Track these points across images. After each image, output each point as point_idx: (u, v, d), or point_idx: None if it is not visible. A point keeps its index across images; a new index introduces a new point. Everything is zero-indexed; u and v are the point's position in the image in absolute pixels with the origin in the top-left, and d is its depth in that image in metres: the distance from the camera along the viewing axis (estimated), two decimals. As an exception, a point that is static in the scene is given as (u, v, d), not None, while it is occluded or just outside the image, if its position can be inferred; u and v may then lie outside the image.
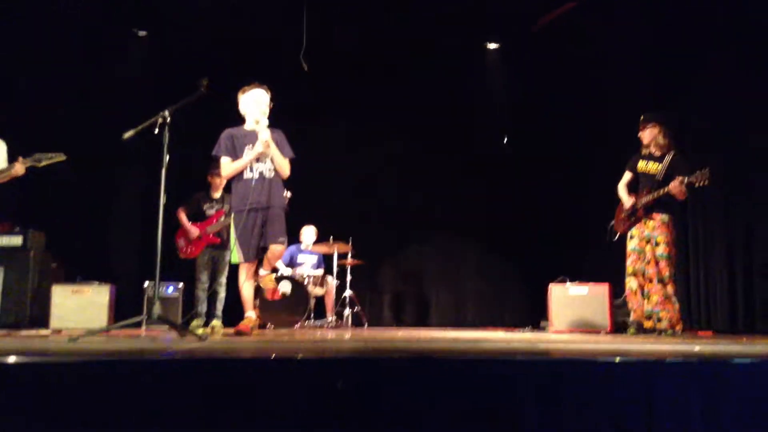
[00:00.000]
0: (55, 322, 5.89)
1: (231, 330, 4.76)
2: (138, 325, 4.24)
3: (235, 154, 4.39)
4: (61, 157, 4.42)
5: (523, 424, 1.71)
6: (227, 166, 4.41)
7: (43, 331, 5.41)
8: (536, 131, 8.34)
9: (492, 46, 8.83)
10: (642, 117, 5.45)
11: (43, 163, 4.45)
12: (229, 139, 4.43)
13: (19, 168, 4.45)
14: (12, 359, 1.74)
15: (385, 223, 8.46)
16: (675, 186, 5.05)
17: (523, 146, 8.53)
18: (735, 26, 6.25)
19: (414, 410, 1.72)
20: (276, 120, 4.52)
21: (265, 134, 4.27)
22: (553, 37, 7.94)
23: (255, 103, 4.41)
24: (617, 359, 1.84)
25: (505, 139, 8.74)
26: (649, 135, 5.38)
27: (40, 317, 6.01)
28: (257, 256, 4.37)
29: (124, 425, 1.71)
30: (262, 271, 4.44)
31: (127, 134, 3.69)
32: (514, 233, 8.41)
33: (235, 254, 4.35)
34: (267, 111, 4.42)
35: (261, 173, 4.35)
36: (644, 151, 5.45)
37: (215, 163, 5.08)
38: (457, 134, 8.61)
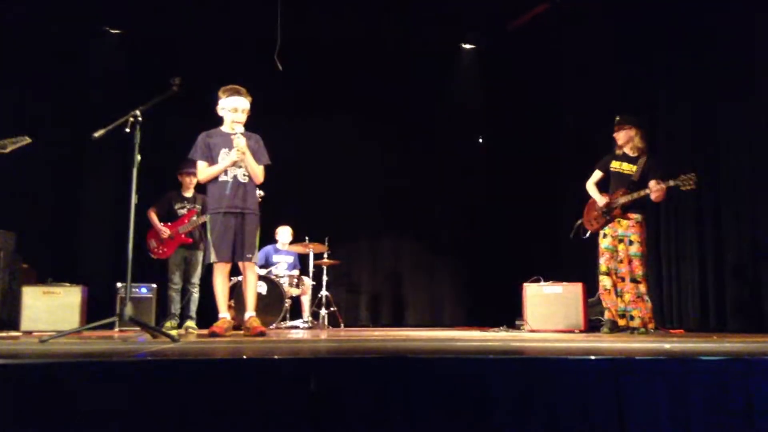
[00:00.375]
0: (25, 323, 5.78)
1: (205, 331, 4.72)
2: (110, 326, 4.20)
3: (212, 158, 4.40)
4: (26, 140, 4.31)
5: (495, 421, 1.72)
6: (203, 171, 4.43)
7: (14, 333, 5.32)
8: (510, 131, 8.41)
9: (467, 46, 8.87)
10: (618, 118, 5.51)
11: (9, 149, 4.35)
12: (205, 142, 4.44)
13: None
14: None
15: (361, 223, 8.47)
16: (657, 188, 5.10)
17: (498, 146, 8.60)
18: (703, 27, 6.35)
19: (387, 409, 1.72)
20: (251, 118, 4.51)
21: (240, 142, 4.27)
22: (527, 37, 8.01)
23: (233, 109, 4.40)
24: (588, 357, 1.86)
25: (480, 139, 8.80)
26: (624, 136, 5.42)
27: (11, 319, 5.91)
28: (231, 258, 4.36)
29: (95, 427, 1.69)
30: (248, 314, 4.43)
31: (98, 133, 3.64)
32: (489, 233, 8.47)
33: (211, 254, 4.36)
34: (244, 118, 4.44)
35: (235, 176, 4.37)
36: (618, 152, 5.50)
37: (186, 162, 5.05)
38: (433, 134, 8.66)
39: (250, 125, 4.53)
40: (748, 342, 3.29)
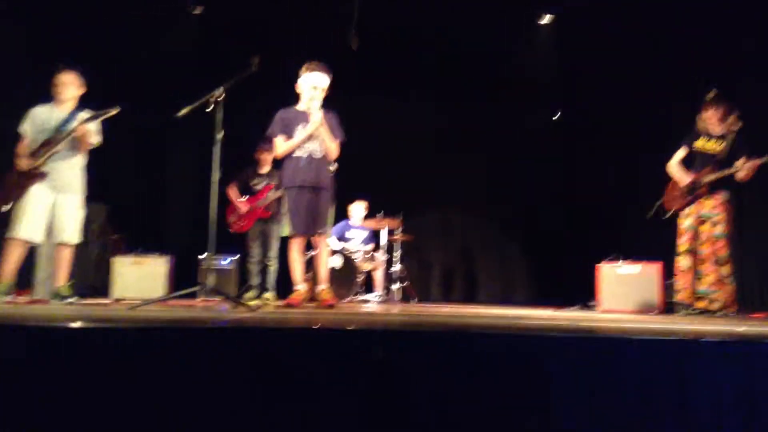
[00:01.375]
0: (116, 291, 6.15)
1: (283, 302, 4.90)
2: (194, 295, 4.42)
3: (288, 134, 4.52)
4: (115, 110, 4.49)
5: (555, 399, 1.75)
6: (281, 145, 4.55)
7: (105, 300, 5.66)
8: (588, 107, 8.20)
9: (545, 17, 8.66)
10: (707, 96, 5.31)
11: (100, 119, 4.56)
12: (282, 119, 4.57)
13: (82, 128, 4.51)
14: (77, 324, 1.88)
15: (435, 199, 8.50)
16: (748, 166, 4.93)
17: (575, 123, 8.41)
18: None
19: (448, 383, 1.78)
20: (328, 95, 4.60)
21: (317, 116, 4.39)
22: (608, 9, 7.74)
23: (312, 86, 4.50)
24: (652, 338, 1.86)
25: (557, 115, 8.63)
26: (713, 114, 5.24)
27: (102, 287, 6.30)
28: (307, 231, 4.50)
29: (177, 390, 1.82)
30: (319, 287, 4.57)
31: (182, 112, 3.82)
32: (564, 210, 8.34)
33: (286, 227, 4.52)
34: (322, 95, 4.54)
35: (310, 153, 4.50)
36: (703, 130, 5.33)
37: (263, 140, 5.21)
38: (508, 109, 8.53)
39: (327, 102, 4.62)
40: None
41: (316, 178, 4.49)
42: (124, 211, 7.01)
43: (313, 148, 4.50)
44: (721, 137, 5.21)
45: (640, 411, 1.74)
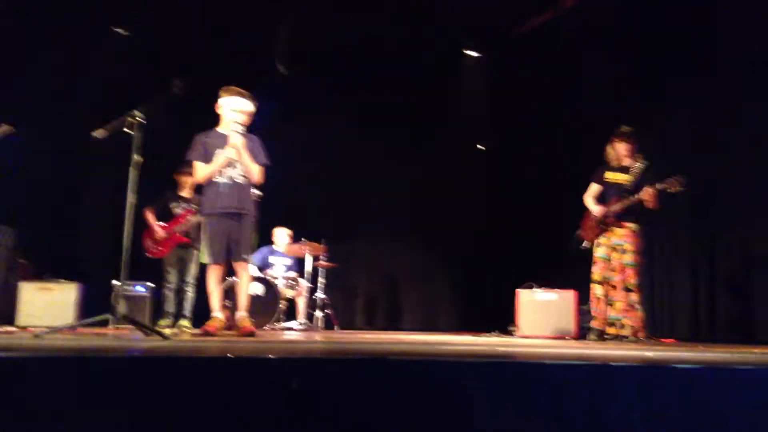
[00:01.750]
0: (22, 319, 5.85)
1: (199, 330, 4.76)
2: (105, 324, 4.24)
3: (208, 158, 4.43)
4: (9, 129, 4.29)
5: (473, 423, 1.76)
6: (200, 170, 4.45)
7: (10, 328, 5.37)
8: (511, 138, 8.47)
9: (472, 53, 8.89)
10: (616, 130, 5.58)
11: None
12: (201, 143, 4.47)
13: None
14: (-28, 354, 1.76)
15: (359, 227, 8.52)
16: (648, 193, 5.17)
17: (499, 153, 8.65)
18: (705, 45, 6.38)
19: (367, 410, 1.77)
20: (254, 120, 4.55)
21: (235, 139, 4.32)
22: (533, 45, 8.06)
23: (232, 109, 4.43)
24: (565, 362, 1.90)
25: (481, 146, 8.85)
26: (625, 148, 5.50)
27: (8, 314, 5.96)
28: (226, 259, 4.40)
29: (84, 421, 1.73)
30: (239, 314, 4.47)
31: (98, 132, 3.69)
32: (486, 239, 8.52)
33: (203, 255, 4.41)
34: (244, 119, 4.46)
35: (231, 177, 4.40)
36: (613, 163, 5.58)
37: (184, 163, 5.11)
38: (434, 139, 8.68)
39: (253, 126, 4.56)
40: (732, 352, 3.33)
41: (237, 204, 4.39)
42: (33, 234, 6.70)
43: (234, 173, 4.42)
44: (628, 168, 5.47)
45: (553, 435, 1.77)
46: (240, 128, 4.39)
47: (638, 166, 5.46)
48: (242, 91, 4.49)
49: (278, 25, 6.81)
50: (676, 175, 5.12)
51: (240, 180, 4.41)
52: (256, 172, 4.47)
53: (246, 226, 4.45)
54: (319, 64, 8.13)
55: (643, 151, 5.58)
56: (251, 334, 4.25)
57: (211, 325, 4.32)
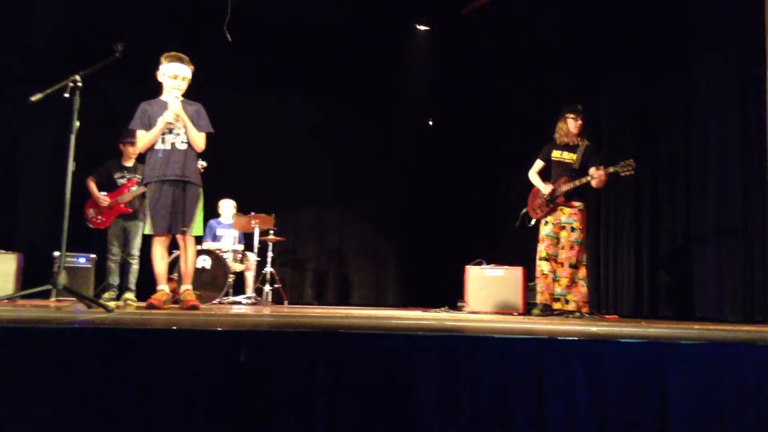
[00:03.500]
0: (-43, 290, 5.61)
1: (144, 303, 4.66)
2: (47, 295, 4.11)
3: (150, 127, 4.28)
4: None
5: (420, 396, 1.77)
6: (141, 138, 4.31)
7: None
8: (458, 114, 8.50)
9: (421, 27, 8.86)
10: (569, 107, 5.64)
11: None
12: (144, 111, 4.32)
13: None
14: None
15: (307, 201, 8.44)
16: (598, 175, 5.26)
17: (446, 129, 8.68)
18: (649, 25, 6.49)
19: (313, 383, 1.75)
20: (199, 88, 4.43)
21: (174, 105, 4.19)
22: (480, 22, 8.08)
23: (173, 76, 4.30)
24: (512, 336, 1.92)
25: (430, 121, 8.87)
26: (573, 125, 5.56)
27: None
28: (170, 229, 4.28)
29: (21, 394, 1.67)
30: (183, 287, 4.34)
31: (35, 97, 3.54)
32: (435, 215, 8.58)
33: (147, 226, 4.29)
34: (184, 86, 4.33)
35: (173, 144, 4.26)
36: (559, 141, 5.65)
37: (127, 131, 4.96)
38: (381, 114, 8.64)
39: (198, 96, 4.44)
40: (674, 328, 3.43)
41: (179, 171, 4.23)
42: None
43: (176, 140, 4.27)
44: (575, 147, 5.55)
45: (499, 406, 1.79)
46: (177, 93, 4.26)
47: (584, 145, 5.55)
48: (180, 56, 4.33)
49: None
50: (627, 159, 5.21)
51: (181, 147, 4.27)
52: (199, 139, 4.33)
53: (190, 196, 4.30)
54: (266, 32, 7.98)
55: (585, 131, 5.69)
56: (194, 308, 4.14)
57: (156, 298, 4.22)
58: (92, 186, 5.92)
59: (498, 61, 8.07)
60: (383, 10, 8.17)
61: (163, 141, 4.26)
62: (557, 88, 7.24)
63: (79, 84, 3.53)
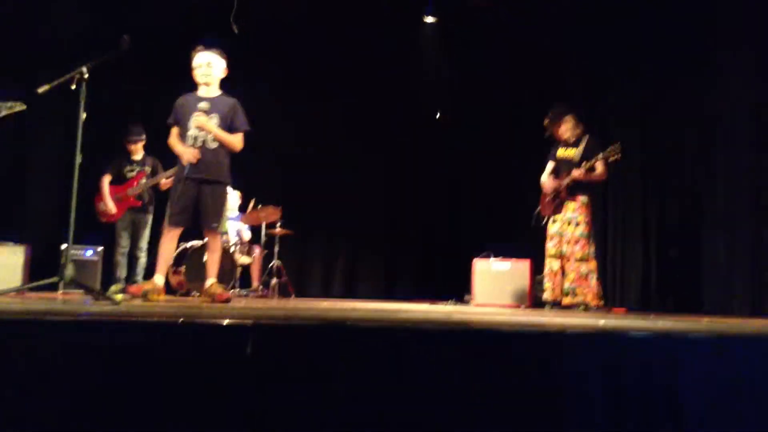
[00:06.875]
0: (-34, 282, 5.63)
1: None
2: (54, 288, 4.12)
3: (180, 122, 4.24)
4: (21, 106, 4.06)
5: (429, 390, 1.76)
6: (172, 136, 4.27)
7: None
8: (470, 107, 8.46)
9: (430, 19, 8.80)
10: (550, 113, 5.74)
11: (2, 113, 4.09)
12: (177, 105, 4.28)
13: None
14: None
15: (316, 194, 8.41)
16: (585, 167, 5.39)
17: (456, 121, 8.63)
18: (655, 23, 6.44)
19: (322, 376, 1.75)
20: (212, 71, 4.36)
21: (200, 119, 4.13)
22: (490, 15, 8.02)
23: (196, 66, 4.25)
24: (522, 330, 1.91)
25: (438, 114, 8.83)
26: (563, 126, 5.65)
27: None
28: (183, 223, 4.23)
29: (30, 386, 1.67)
30: (208, 281, 4.29)
31: (42, 89, 3.53)
32: (444, 207, 8.55)
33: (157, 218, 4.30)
34: (212, 73, 4.25)
35: (204, 142, 4.18)
36: (560, 139, 5.70)
37: (129, 130, 4.94)
38: (391, 106, 8.60)
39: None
40: (683, 321, 3.41)
41: (206, 170, 4.15)
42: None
43: (208, 137, 4.18)
44: (576, 142, 5.59)
45: (511, 401, 1.78)
46: (215, 88, 4.26)
47: (585, 139, 5.60)
48: (199, 46, 4.29)
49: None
50: (613, 143, 5.30)
51: (212, 145, 4.19)
52: (235, 141, 4.26)
53: (215, 193, 4.24)
54: (273, 25, 7.95)
55: (589, 124, 5.76)
56: (228, 300, 4.10)
57: (135, 287, 4.24)
58: (105, 185, 5.92)
59: (509, 53, 8.01)
60: (390, 3, 8.12)
61: (191, 138, 4.18)
62: (567, 81, 7.21)
63: (86, 76, 3.52)
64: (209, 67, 4.25)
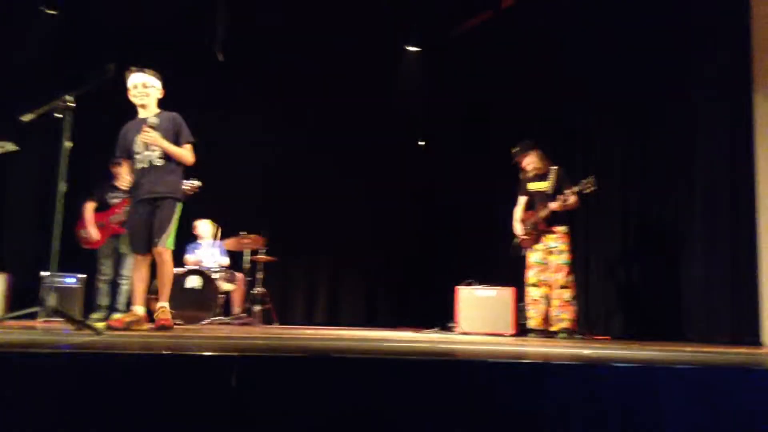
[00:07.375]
0: (-57, 311, 5.55)
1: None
2: (34, 317, 4.06)
3: (127, 149, 4.21)
4: (13, 147, 4.05)
5: (413, 424, 1.75)
6: (126, 168, 4.25)
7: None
8: (449, 135, 8.55)
9: (411, 48, 8.91)
10: (514, 150, 5.97)
11: None
12: (123, 135, 4.26)
13: None
14: None
15: (298, 221, 8.39)
16: (560, 199, 5.56)
17: (437, 149, 8.71)
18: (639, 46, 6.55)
19: (308, 408, 1.73)
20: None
21: (148, 135, 4.08)
22: (471, 44, 8.14)
23: (131, 87, 4.21)
24: (507, 360, 1.91)
25: (421, 142, 8.90)
26: (529, 161, 5.89)
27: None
28: (148, 249, 4.14)
29: (10, 417, 1.64)
30: (158, 304, 4.14)
31: (26, 117, 3.52)
32: (427, 235, 8.58)
33: (123, 245, 4.24)
34: (147, 94, 4.21)
35: (150, 161, 4.15)
36: (529, 175, 5.90)
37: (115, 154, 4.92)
38: (372, 134, 8.63)
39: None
40: (666, 350, 3.43)
41: (154, 188, 4.11)
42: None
43: (153, 155, 4.14)
44: (545, 175, 5.82)
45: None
46: (153, 106, 4.20)
47: (554, 171, 5.79)
48: (133, 68, 4.22)
49: (216, 12, 6.63)
50: (587, 177, 5.49)
51: (158, 162, 4.14)
52: (184, 154, 4.19)
53: (164, 210, 4.11)
54: (256, 53, 8.01)
55: (557, 154, 6.03)
56: (164, 328, 3.97)
57: (117, 319, 4.12)
58: (89, 212, 5.88)
59: (490, 82, 8.11)
60: (374, 33, 8.21)
61: (140, 160, 4.16)
62: (550, 108, 7.30)
63: (71, 104, 3.52)
64: (144, 88, 4.22)
